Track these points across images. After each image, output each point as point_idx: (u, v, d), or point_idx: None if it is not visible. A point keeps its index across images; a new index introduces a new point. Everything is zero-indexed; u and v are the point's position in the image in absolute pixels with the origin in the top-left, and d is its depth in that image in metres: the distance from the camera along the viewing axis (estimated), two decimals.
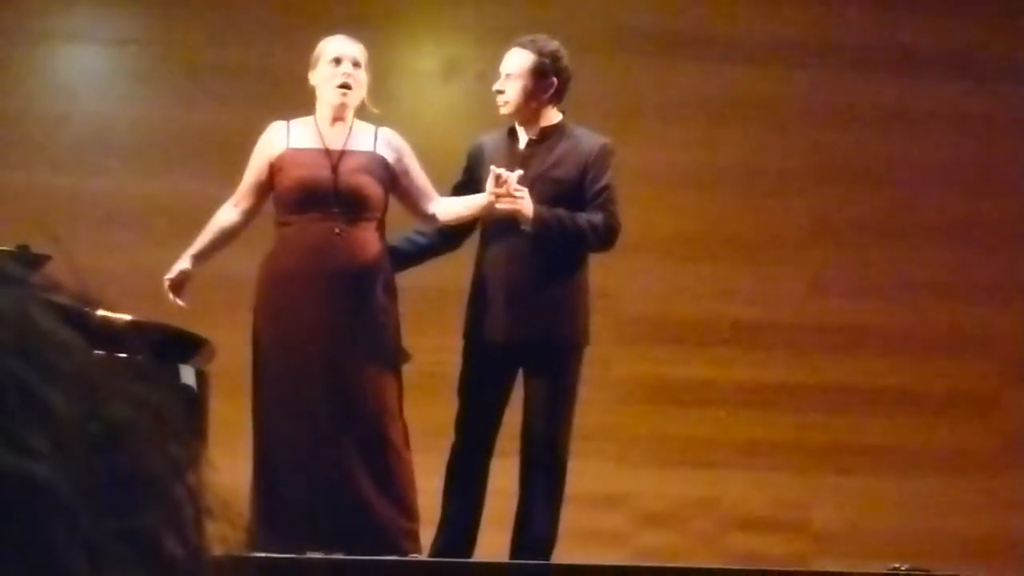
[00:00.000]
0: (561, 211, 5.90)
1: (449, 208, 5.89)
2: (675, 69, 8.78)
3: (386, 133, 5.92)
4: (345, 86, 5.80)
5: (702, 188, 8.72)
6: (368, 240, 5.78)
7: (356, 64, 5.81)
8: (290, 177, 5.74)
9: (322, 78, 5.84)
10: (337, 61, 5.81)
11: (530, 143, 5.98)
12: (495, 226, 5.95)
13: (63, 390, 0.60)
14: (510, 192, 5.70)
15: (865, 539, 8.52)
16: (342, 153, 5.79)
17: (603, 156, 6.05)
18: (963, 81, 9.04)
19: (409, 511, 5.72)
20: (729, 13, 8.88)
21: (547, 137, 6.03)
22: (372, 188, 5.79)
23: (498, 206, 5.74)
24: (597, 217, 5.95)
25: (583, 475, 8.04)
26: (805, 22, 8.95)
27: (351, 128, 5.87)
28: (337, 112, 5.83)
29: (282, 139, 5.81)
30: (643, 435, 8.49)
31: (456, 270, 6.24)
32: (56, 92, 8.28)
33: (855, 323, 8.79)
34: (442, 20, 8.62)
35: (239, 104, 8.27)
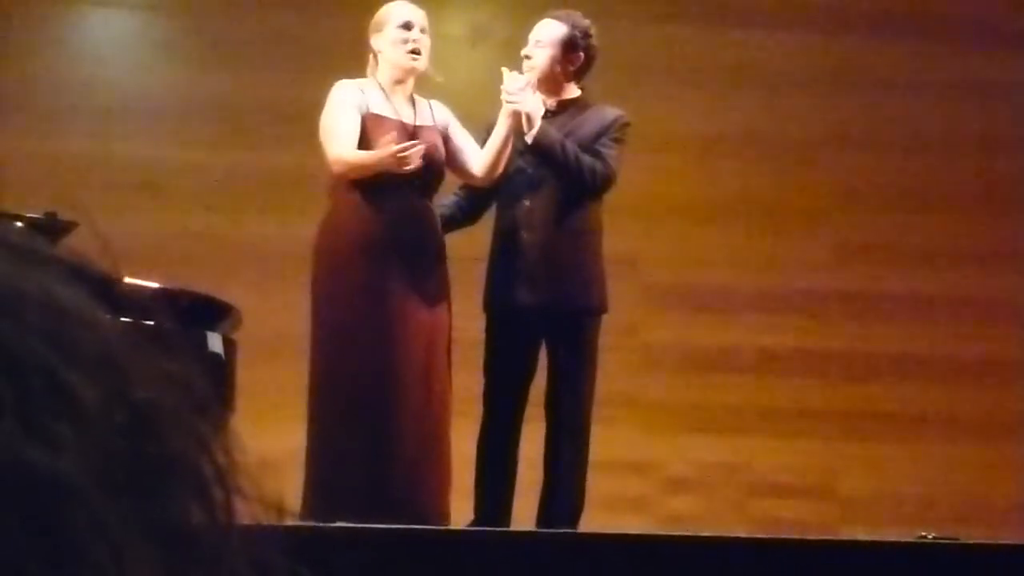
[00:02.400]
0: (566, 140, 5.96)
1: (483, 158, 5.91)
2: (704, 36, 8.75)
3: (437, 106, 5.96)
4: (416, 51, 5.82)
5: (727, 155, 8.70)
6: (434, 211, 5.89)
7: (423, 30, 5.84)
8: (378, 145, 5.71)
9: (389, 41, 5.83)
10: (407, 26, 5.81)
11: (548, 113, 6.03)
12: (510, 191, 6.01)
13: (89, 374, 0.59)
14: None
15: (893, 506, 8.51)
16: (416, 127, 5.82)
17: (617, 126, 6.16)
18: (990, 49, 8.99)
19: (447, 482, 5.79)
20: None
21: (565, 109, 6.13)
22: (442, 162, 5.88)
23: (507, 104, 5.78)
24: (597, 162, 6.01)
25: (609, 442, 8.04)
26: None
27: (414, 99, 5.89)
28: (403, 75, 5.84)
29: (363, 101, 5.78)
30: (669, 401, 8.49)
31: (471, 238, 6.24)
32: (82, 58, 8.29)
33: (881, 289, 8.77)
34: None
35: (265, 71, 8.28)
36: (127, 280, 5.01)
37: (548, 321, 6.02)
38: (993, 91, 9.00)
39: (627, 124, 6.21)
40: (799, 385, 8.63)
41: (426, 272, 5.76)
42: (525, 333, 6.04)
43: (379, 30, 5.87)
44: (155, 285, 5.28)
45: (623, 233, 8.39)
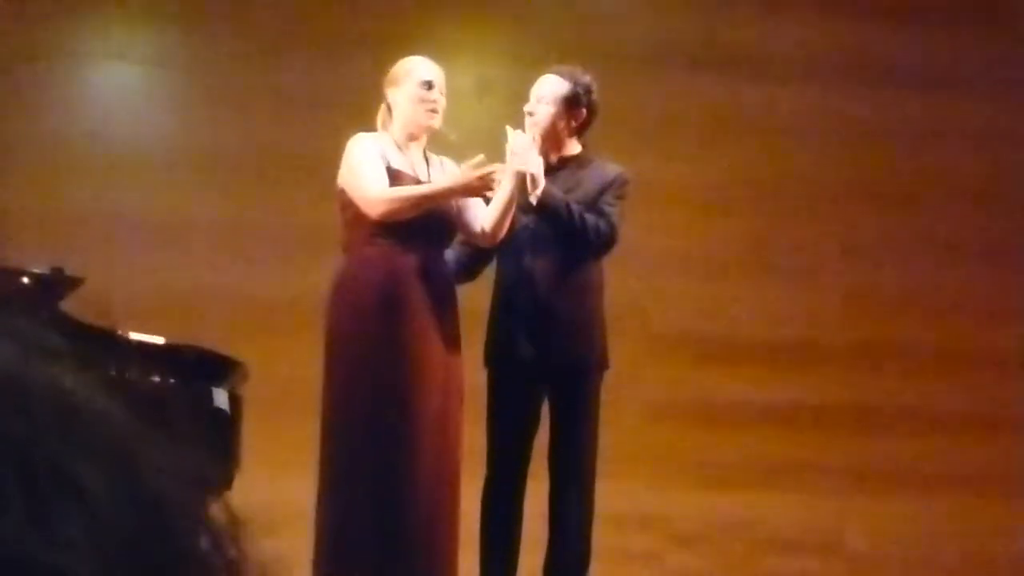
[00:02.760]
0: (570, 199, 5.97)
1: (489, 218, 5.90)
2: (708, 89, 8.77)
3: (448, 163, 5.95)
4: (434, 110, 5.83)
5: (732, 207, 8.70)
6: (448, 264, 5.90)
7: (442, 91, 5.87)
8: None
9: (409, 97, 5.83)
10: (428, 85, 5.83)
11: (550, 169, 6.03)
12: (512, 247, 6.00)
13: (97, 466, 0.58)
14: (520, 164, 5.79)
15: (899, 562, 8.48)
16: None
17: (618, 183, 6.16)
18: (995, 99, 9.00)
19: (457, 537, 5.76)
20: (760, 32, 8.86)
21: (566, 165, 6.12)
22: (455, 217, 5.88)
23: (511, 163, 5.78)
24: (600, 221, 6.02)
25: (615, 495, 8.01)
26: (836, 40, 8.93)
27: (426, 155, 5.90)
28: (420, 132, 5.85)
29: (384, 154, 5.80)
30: (675, 455, 8.46)
31: (470, 291, 6.23)
32: (89, 112, 8.30)
33: (888, 342, 8.75)
34: (477, 40, 8.63)
35: (271, 125, 8.29)
36: (133, 336, 5.01)
37: (550, 376, 6.02)
38: (999, 143, 9.01)
39: (628, 181, 6.20)
40: (806, 439, 8.60)
41: (442, 324, 5.75)
42: (527, 388, 6.03)
43: (397, 84, 5.86)
44: (160, 341, 5.27)
45: (629, 285, 8.39)
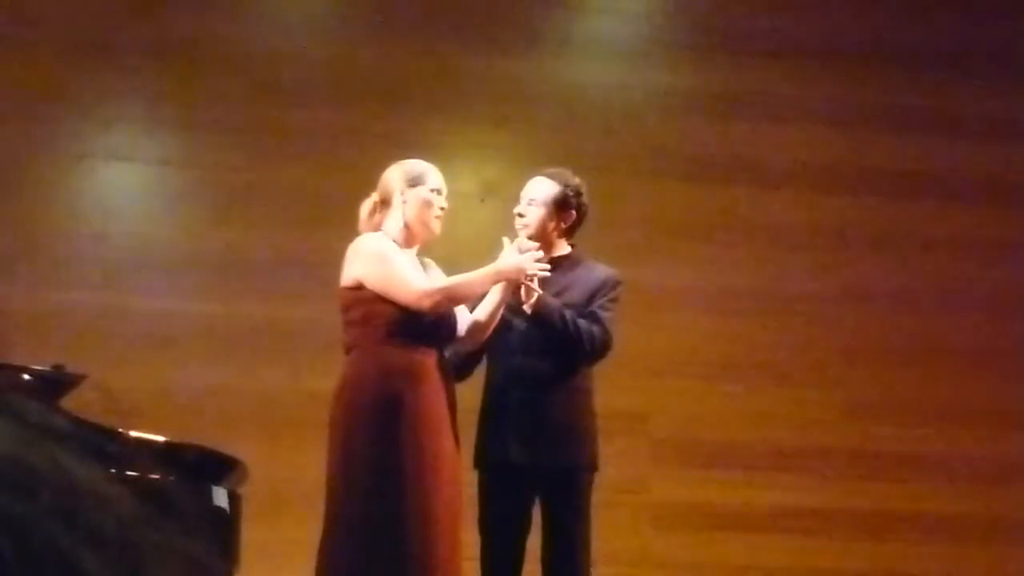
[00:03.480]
0: (563, 306, 5.97)
1: (473, 320, 5.89)
2: (705, 193, 8.81)
3: (432, 264, 5.96)
4: (440, 217, 5.88)
5: (734, 311, 8.71)
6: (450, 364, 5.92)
7: (446, 198, 5.92)
8: None
9: (420, 201, 5.85)
10: (439, 192, 5.87)
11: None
12: (503, 348, 6.00)
13: (103, 557, 0.57)
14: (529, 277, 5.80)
15: None
16: None
17: (610, 285, 6.18)
18: (993, 206, 9.05)
19: None
20: (754, 141, 8.93)
21: (558, 266, 6.11)
22: (455, 319, 5.91)
23: (524, 278, 5.80)
24: (594, 327, 6.02)
25: None
26: (837, 148, 8.99)
27: (419, 258, 5.92)
28: (425, 236, 5.87)
29: (407, 255, 5.82)
30: (679, 559, 8.42)
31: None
32: (94, 211, 8.32)
33: (892, 447, 8.74)
34: (480, 144, 8.67)
35: (276, 226, 8.32)
36: (133, 434, 4.99)
37: (541, 478, 5.99)
38: (998, 248, 9.05)
39: (620, 283, 6.22)
40: (810, 544, 8.56)
41: (453, 421, 5.76)
42: (519, 490, 6.01)
43: (411, 185, 5.87)
44: (161, 439, 5.25)
45: (632, 389, 8.39)
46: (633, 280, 8.56)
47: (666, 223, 8.73)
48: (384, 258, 5.72)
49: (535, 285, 5.83)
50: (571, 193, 6.15)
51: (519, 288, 5.82)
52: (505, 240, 5.90)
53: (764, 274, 8.79)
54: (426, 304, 5.65)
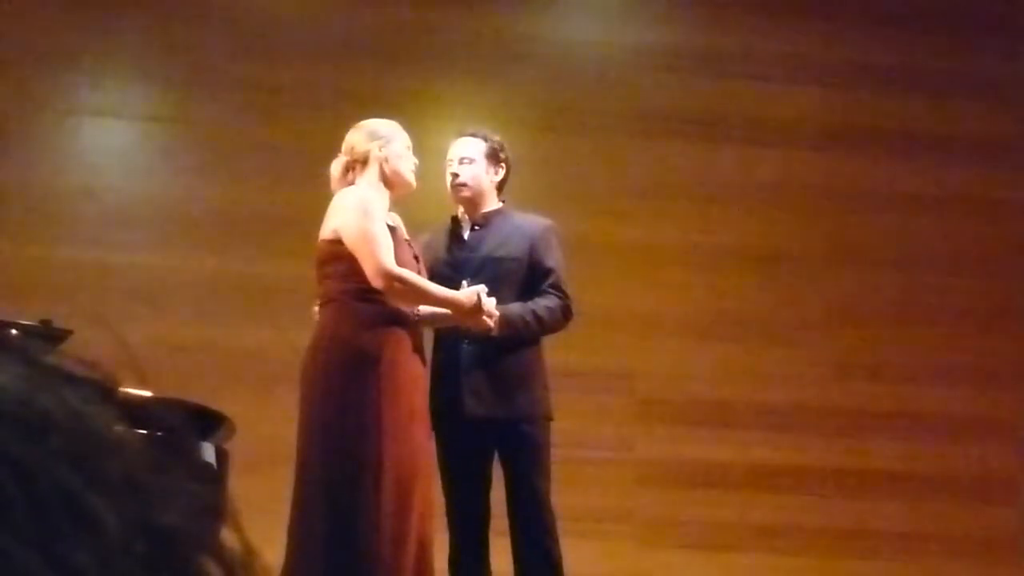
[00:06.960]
0: (518, 307, 6.03)
1: (424, 311, 5.91)
2: (693, 151, 8.81)
3: (401, 225, 5.96)
4: (414, 171, 5.94)
5: (721, 270, 8.72)
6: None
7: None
8: (401, 261, 5.74)
9: (400, 158, 5.88)
10: (409, 148, 5.91)
11: (475, 228, 6.15)
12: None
13: (112, 499, 0.58)
14: (488, 312, 5.81)
15: None
16: (408, 241, 5.93)
17: (548, 235, 6.24)
18: (988, 165, 9.05)
19: None
20: (754, 97, 8.92)
21: (491, 220, 6.21)
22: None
23: (480, 325, 5.84)
24: (552, 301, 6.11)
25: (602, 556, 8.00)
26: (827, 105, 8.98)
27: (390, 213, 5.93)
28: (403, 190, 5.89)
29: (385, 213, 5.83)
30: (664, 516, 8.44)
31: None
32: (80, 167, 8.31)
33: (877, 405, 8.76)
34: (465, 103, 8.65)
35: (261, 181, 8.31)
36: (120, 389, 4.99)
37: (497, 431, 6.02)
38: (994, 209, 9.05)
39: (556, 233, 6.29)
40: (794, 501, 8.59)
41: (424, 373, 5.79)
42: (476, 443, 6.04)
43: (388, 143, 5.87)
44: (147, 394, 5.26)
45: (617, 348, 8.40)
46: (619, 238, 8.59)
47: (652, 180, 8.73)
48: (369, 215, 5.71)
49: (492, 323, 5.85)
50: (498, 147, 6.29)
51: (473, 318, 5.84)
52: (465, 283, 5.90)
53: (752, 232, 8.79)
54: (383, 283, 5.62)
